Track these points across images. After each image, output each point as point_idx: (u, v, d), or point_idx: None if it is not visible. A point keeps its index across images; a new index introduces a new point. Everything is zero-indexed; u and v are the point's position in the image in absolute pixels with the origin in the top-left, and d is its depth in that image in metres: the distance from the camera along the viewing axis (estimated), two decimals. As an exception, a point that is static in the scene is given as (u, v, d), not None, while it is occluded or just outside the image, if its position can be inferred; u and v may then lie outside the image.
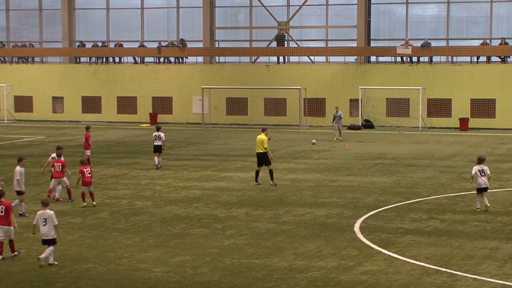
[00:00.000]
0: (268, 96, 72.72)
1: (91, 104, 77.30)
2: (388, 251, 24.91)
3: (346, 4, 73.50)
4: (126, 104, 76.28)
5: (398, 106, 69.58)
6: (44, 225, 23.01)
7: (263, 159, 37.47)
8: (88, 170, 33.47)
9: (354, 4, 72.28)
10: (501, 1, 70.08)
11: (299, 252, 24.81)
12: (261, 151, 37.37)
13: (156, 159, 43.30)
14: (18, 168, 28.71)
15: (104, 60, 78.60)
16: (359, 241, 26.35)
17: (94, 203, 32.93)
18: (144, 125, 72.90)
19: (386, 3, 73.66)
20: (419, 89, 68.07)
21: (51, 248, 23.00)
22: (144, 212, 31.58)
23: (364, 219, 29.87)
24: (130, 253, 24.74)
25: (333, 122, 59.56)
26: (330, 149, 52.58)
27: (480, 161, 30.94)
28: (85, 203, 32.72)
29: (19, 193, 30.42)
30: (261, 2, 75.34)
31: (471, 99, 67.96)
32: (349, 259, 23.97)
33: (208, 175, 40.83)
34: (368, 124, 68.79)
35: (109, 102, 76.87)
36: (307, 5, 74.31)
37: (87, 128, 45.67)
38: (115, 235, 27.46)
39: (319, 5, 74.34)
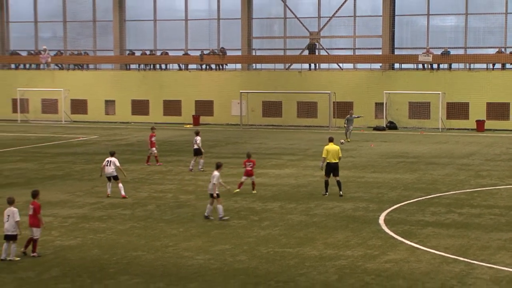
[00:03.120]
0: (300, 100, 72.71)
1: (139, 107, 77.60)
2: (410, 241, 24.85)
3: (372, 16, 73.36)
4: (171, 107, 76.52)
5: (420, 109, 69.34)
6: (6, 221, 22.70)
7: (335, 169, 33.58)
8: (250, 164, 34.61)
9: (380, 16, 72.16)
10: (515, 13, 69.75)
11: (329, 242, 24.81)
12: (335, 161, 33.50)
13: (192, 161, 42.91)
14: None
15: (151, 67, 78.87)
16: (383, 232, 26.31)
17: (254, 191, 34.32)
18: (188, 126, 73.08)
19: (409, 15, 73.38)
20: (439, 93, 67.80)
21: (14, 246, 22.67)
22: (188, 205, 31.70)
23: (388, 212, 29.81)
24: (175, 242, 24.84)
25: (344, 124, 58.81)
26: (357, 148, 52.49)
27: None
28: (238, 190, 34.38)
29: None
30: (294, 14, 75.34)
31: (487, 102, 67.61)
32: (374, 248, 23.94)
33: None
34: (392, 126, 68.59)
35: (156, 105, 77.14)
36: (336, 17, 74.19)
37: (152, 129, 45.46)
38: (161, 225, 27.59)
39: (347, 16, 74.19)
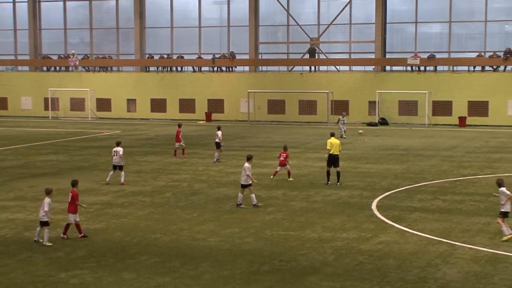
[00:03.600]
0: (301, 99, 72.67)
1: (158, 105, 77.65)
2: (400, 225, 24.84)
3: (366, 23, 73.18)
4: (186, 105, 76.55)
5: (408, 107, 69.25)
6: (41, 208, 22.55)
7: (336, 160, 33.56)
8: (284, 156, 35.18)
9: (373, 23, 72.07)
10: (493, 21, 69.48)
11: (327, 226, 24.81)
12: (337, 153, 33.48)
13: (216, 154, 42.45)
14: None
15: (168, 69, 78.88)
16: (376, 217, 26.29)
17: (290, 179, 34.91)
18: (201, 122, 73.12)
19: (399, 23, 73.21)
20: (425, 93, 67.69)
21: None
22: (201, 192, 31.71)
23: (380, 199, 29.79)
24: (189, 226, 24.86)
25: (337, 123, 58.65)
26: (352, 141, 52.44)
27: (500, 184, 23.42)
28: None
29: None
30: (296, 22, 75.27)
31: (468, 101, 67.50)
32: (367, 231, 23.93)
33: (253, 163, 40.54)
34: (383, 122, 68.53)
35: (172, 103, 77.17)
36: (334, 24, 74.11)
37: (179, 125, 45.22)
38: (177, 211, 27.60)
39: (344, 24, 74.10)
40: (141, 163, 41.51)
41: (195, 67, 78.23)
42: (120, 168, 34.10)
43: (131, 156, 43.94)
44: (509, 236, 22.40)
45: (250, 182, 28.19)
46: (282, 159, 35.20)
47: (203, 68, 77.81)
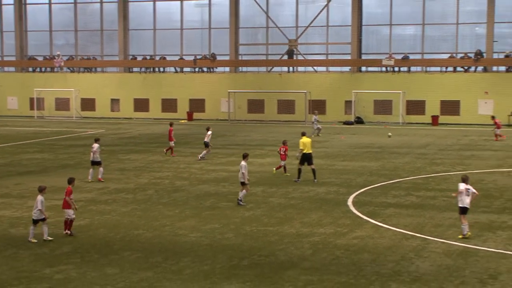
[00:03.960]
0: (280, 98, 72.69)
1: (141, 104, 77.46)
2: (375, 220, 24.88)
3: (343, 26, 73.23)
4: (169, 105, 76.41)
5: (383, 106, 69.44)
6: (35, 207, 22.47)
7: (309, 158, 33.75)
8: (283, 149, 35.32)
9: (349, 26, 72.20)
10: (464, 23, 69.79)
11: (304, 221, 24.81)
12: (310, 151, 33.69)
13: (203, 151, 42.27)
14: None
15: (151, 70, 78.68)
16: (351, 213, 26.32)
17: (287, 173, 35.29)
18: (183, 121, 72.97)
19: (374, 25, 73.35)
20: (400, 92, 67.90)
21: None
22: (182, 189, 31.64)
23: (356, 195, 29.83)
24: (171, 222, 24.80)
25: (313, 122, 58.76)
26: (329, 140, 52.51)
27: (465, 180, 22.42)
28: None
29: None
30: (275, 24, 75.26)
31: (440, 100, 67.78)
32: (343, 226, 23.95)
33: (233, 161, 40.83)
34: (359, 120, 68.66)
35: (155, 103, 77.00)
36: (311, 26, 74.14)
37: (171, 124, 44.89)
38: (159, 208, 27.52)
39: (321, 26, 74.13)
40: (124, 161, 41.37)
41: (177, 68, 78.08)
42: (98, 164, 34.05)
43: (114, 155, 43.79)
44: (466, 235, 22.05)
45: (247, 179, 28.04)
46: (283, 153, 35.27)
47: (185, 69, 77.68)
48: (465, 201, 22.09)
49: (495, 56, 68.38)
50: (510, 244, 21.40)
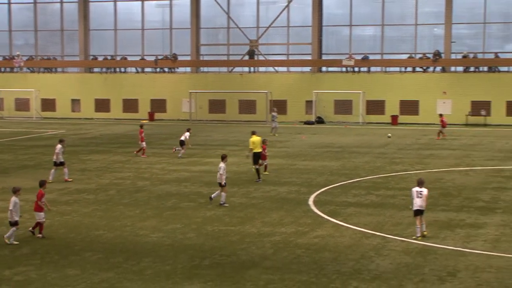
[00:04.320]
0: (241, 98, 72.71)
1: (102, 105, 77.01)
2: (335, 219, 24.97)
3: (303, 26, 73.45)
4: (130, 105, 76.06)
5: (343, 106, 69.79)
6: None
7: (259, 157, 34.24)
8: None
9: (309, 26, 72.46)
10: (423, 24, 70.42)
11: (266, 221, 24.82)
12: (260, 150, 34.25)
13: (181, 150, 42.45)
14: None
15: (112, 70, 78.26)
16: (312, 212, 26.39)
17: (266, 172, 35.26)
18: (144, 121, 72.60)
19: (334, 25, 73.64)
20: (360, 92, 68.31)
21: None
22: (144, 190, 31.49)
23: (316, 195, 29.92)
24: (132, 222, 24.67)
25: (271, 120, 59.13)
26: (290, 139, 52.62)
27: (419, 183, 22.44)
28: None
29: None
30: (236, 24, 75.26)
31: (400, 100, 68.31)
32: (304, 226, 24.01)
33: (195, 161, 40.78)
34: (320, 120, 68.91)
35: (116, 103, 76.60)
36: (272, 27, 74.26)
37: (141, 126, 44.62)
38: (120, 208, 27.36)
39: (282, 26, 74.28)
40: (85, 161, 41.08)
41: (138, 68, 77.75)
42: (62, 164, 33.83)
43: (75, 155, 43.44)
44: (419, 237, 21.97)
45: (225, 181, 27.88)
46: (262, 153, 35.15)
47: (146, 69, 77.38)
48: (417, 204, 21.99)
49: (453, 56, 69.08)
50: (468, 242, 21.61)
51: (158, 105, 75.13)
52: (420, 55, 69.55)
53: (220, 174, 27.66)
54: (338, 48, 73.47)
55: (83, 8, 78.97)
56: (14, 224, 21.84)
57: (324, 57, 73.39)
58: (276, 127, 57.28)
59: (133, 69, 78.06)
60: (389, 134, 54.24)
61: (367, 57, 70.19)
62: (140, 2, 78.48)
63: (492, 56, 67.96)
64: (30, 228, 22.76)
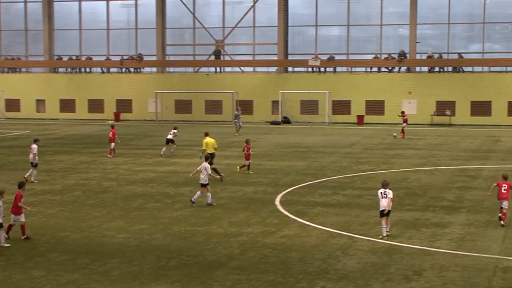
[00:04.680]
0: (208, 99, 72.67)
1: (67, 105, 76.54)
2: (302, 219, 25.02)
3: (269, 26, 73.57)
4: (95, 105, 75.68)
5: (310, 106, 70.02)
6: None
7: (212, 157, 33.58)
8: (246, 149, 35.96)
9: (275, 26, 72.59)
10: (388, 24, 70.86)
11: (232, 221, 24.82)
12: (213, 151, 34.28)
13: (163, 149, 43.16)
14: None
15: (77, 70, 77.78)
16: (279, 212, 26.42)
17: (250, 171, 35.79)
18: (110, 121, 72.28)
19: (300, 26, 73.84)
20: (325, 92, 68.55)
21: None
22: (110, 190, 31.32)
23: (283, 195, 29.96)
24: (99, 223, 24.52)
25: (234, 119, 59.61)
26: (257, 139, 52.62)
27: (384, 185, 22.82)
28: None
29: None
30: (202, 24, 75.17)
31: (365, 100, 68.70)
32: (271, 226, 24.03)
33: (161, 161, 40.65)
34: (286, 120, 69.06)
35: (81, 104, 76.20)
36: (238, 27, 74.29)
37: (112, 126, 44.54)
38: (86, 209, 27.18)
39: (248, 27, 74.32)
40: (51, 162, 40.77)
41: (103, 68, 77.36)
42: (33, 165, 33.65)
43: (40, 156, 42.85)
44: (385, 237, 22.16)
45: (208, 181, 27.90)
46: (246, 153, 35.97)
47: (112, 69, 77.04)
48: (382, 204, 22.22)
49: (418, 56, 69.63)
50: (433, 241, 21.78)
51: (124, 105, 74.83)
52: (386, 55, 69.98)
53: (205, 174, 27.69)
54: (304, 48, 73.68)
55: (48, 7, 78.41)
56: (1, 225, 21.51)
57: (290, 57, 73.57)
58: (240, 126, 57.49)
59: (99, 69, 77.66)
60: (395, 133, 53.83)
61: (333, 57, 70.46)
62: (105, 2, 78.10)
63: (456, 56, 68.58)
64: (24, 236, 22.33)
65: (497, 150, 45.94)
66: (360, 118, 67.33)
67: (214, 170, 33.89)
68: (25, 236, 22.32)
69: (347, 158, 41.78)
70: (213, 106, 72.63)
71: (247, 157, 35.92)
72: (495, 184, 24.50)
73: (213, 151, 34.39)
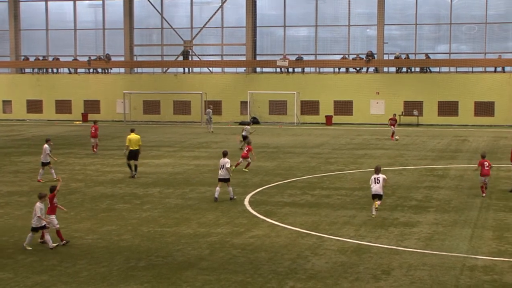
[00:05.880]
0: (176, 99, 72.53)
1: (34, 106, 76.01)
2: (271, 219, 25.04)
3: (237, 27, 73.62)
4: (63, 106, 75.24)
5: (278, 106, 70.15)
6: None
7: (135, 154, 34.85)
8: (246, 149, 37.36)
9: (244, 27, 72.64)
10: (356, 25, 71.20)
11: (202, 222, 24.78)
12: (136, 148, 34.81)
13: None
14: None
15: (44, 71, 77.26)
16: (248, 212, 26.43)
17: (246, 170, 36.91)
18: (77, 122, 71.95)
19: (268, 26, 73.96)
20: (294, 93, 68.72)
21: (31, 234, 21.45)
22: (78, 191, 31.14)
23: (252, 195, 29.97)
24: (67, 224, 24.33)
25: (206, 117, 60.33)
26: (225, 140, 52.64)
27: (376, 170, 25.74)
28: None
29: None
30: (170, 25, 75.02)
31: (334, 100, 68.96)
32: (240, 226, 24.03)
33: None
34: (255, 121, 69.08)
35: (49, 104, 75.70)
36: (206, 27, 74.25)
37: (95, 122, 46.04)
38: (54, 210, 26.97)
39: (216, 27, 74.30)
40: (17, 163, 40.43)
41: (71, 69, 76.91)
42: (47, 164, 34.30)
43: (7, 157, 42.75)
44: (373, 215, 25.09)
45: (229, 176, 28.62)
46: (245, 152, 37.06)
47: (79, 70, 76.60)
48: (373, 189, 25.31)
49: (386, 57, 70.03)
50: (402, 240, 21.91)
51: (92, 106, 74.48)
52: (354, 56, 70.34)
53: (227, 168, 28.36)
54: (272, 49, 73.84)
55: (14, 7, 77.83)
56: (42, 228, 21.26)
57: (258, 58, 73.67)
58: (210, 124, 57.96)
59: (66, 70, 77.21)
60: (397, 137, 52.86)
61: (301, 58, 70.66)
62: (72, 2, 77.67)
63: (423, 57, 69.09)
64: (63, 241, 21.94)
65: (464, 150, 46.35)
66: (328, 118, 67.59)
67: (128, 166, 34.96)
68: (64, 242, 21.85)
69: (316, 158, 41.90)
70: (182, 107, 72.53)
71: (244, 155, 37.07)
72: (477, 165, 29.48)
73: (137, 148, 34.89)
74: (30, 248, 21.14)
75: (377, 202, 25.40)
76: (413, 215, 25.66)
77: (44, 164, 34.24)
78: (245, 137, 44.60)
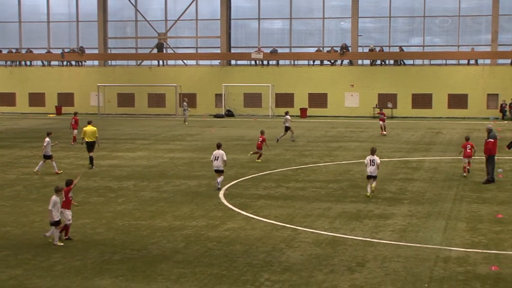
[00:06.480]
0: (151, 92, 72.33)
1: (7, 98, 75.49)
2: (246, 212, 25.06)
3: (212, 19, 73.49)
4: (36, 99, 74.77)
5: (253, 99, 70.16)
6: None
7: (91, 145, 35.47)
8: (260, 139, 38.41)
9: (218, 19, 72.54)
10: (330, 18, 71.33)
11: (177, 215, 24.75)
12: (92, 140, 35.46)
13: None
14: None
15: (17, 63, 76.73)
16: (223, 205, 26.42)
17: (259, 160, 37.60)
18: (51, 115, 71.54)
19: (243, 19, 73.90)
20: (269, 85, 68.77)
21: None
22: (52, 185, 30.77)
23: (227, 188, 29.97)
24: (41, 218, 24.19)
25: (183, 110, 61.03)
26: (200, 133, 52.57)
27: (372, 152, 27.87)
28: None
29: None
30: (144, 17, 74.73)
31: (308, 93, 69.09)
32: (215, 219, 24.02)
33: (104, 155, 40.29)
34: (229, 113, 69.10)
35: (22, 97, 75.22)
36: (181, 20, 74.05)
37: (75, 114, 47.00)
38: (28, 204, 26.84)
39: (190, 20, 74.13)
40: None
41: (44, 62, 76.45)
42: (49, 157, 34.30)
43: (-20, 150, 42.44)
44: (368, 194, 27.03)
45: (223, 168, 29.55)
46: (259, 142, 37.99)
47: (53, 63, 76.19)
48: (368, 170, 27.18)
49: (360, 50, 70.25)
50: (376, 233, 22.01)
51: (66, 98, 74.09)
52: (328, 49, 70.47)
53: (223, 160, 29.44)
54: (247, 41, 73.80)
55: (-14, -1, 77.12)
56: (54, 224, 20.90)
57: (233, 50, 73.61)
58: (186, 116, 58.23)
59: (39, 63, 76.74)
60: (385, 132, 51.68)
61: (275, 51, 70.69)
62: (45, -6, 77.11)
63: (397, 49, 69.38)
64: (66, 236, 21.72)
65: (438, 142, 46.62)
66: (303, 111, 67.70)
67: (90, 159, 35.54)
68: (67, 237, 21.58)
69: (291, 151, 41.94)
70: (156, 99, 72.34)
71: (259, 146, 37.98)
72: (461, 149, 32.35)
73: (94, 140, 35.44)
74: (61, 244, 20.79)
75: (373, 184, 27.33)
76: (387, 207, 25.79)
77: (46, 157, 34.13)
78: (287, 128, 46.10)
